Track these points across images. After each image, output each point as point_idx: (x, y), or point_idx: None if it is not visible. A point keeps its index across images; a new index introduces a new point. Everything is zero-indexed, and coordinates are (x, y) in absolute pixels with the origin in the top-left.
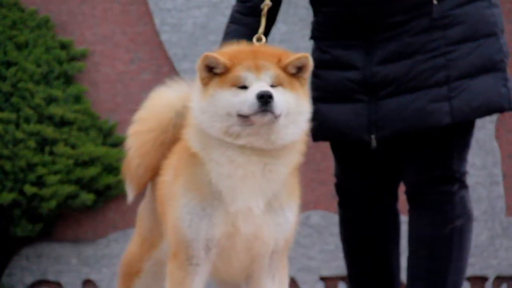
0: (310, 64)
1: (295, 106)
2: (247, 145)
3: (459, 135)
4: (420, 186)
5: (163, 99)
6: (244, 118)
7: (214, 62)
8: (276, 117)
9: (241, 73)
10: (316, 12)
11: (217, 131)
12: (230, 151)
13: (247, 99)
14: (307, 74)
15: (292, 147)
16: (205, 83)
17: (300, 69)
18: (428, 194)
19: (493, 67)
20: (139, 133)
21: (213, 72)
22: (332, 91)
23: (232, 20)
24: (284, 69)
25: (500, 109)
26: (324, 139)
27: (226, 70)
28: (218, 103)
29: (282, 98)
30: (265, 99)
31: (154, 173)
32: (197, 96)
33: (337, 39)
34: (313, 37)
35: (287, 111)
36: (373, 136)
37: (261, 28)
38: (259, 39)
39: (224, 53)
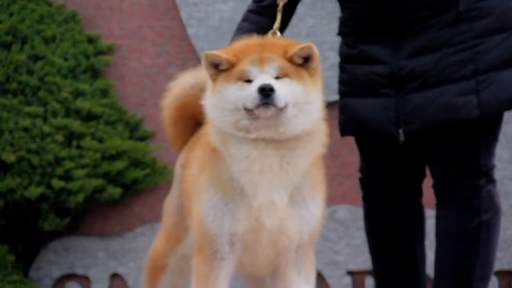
0: (315, 53)
1: (303, 96)
2: (258, 137)
3: (486, 129)
4: (447, 180)
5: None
6: (250, 112)
7: (217, 60)
8: (281, 109)
9: (246, 67)
10: (342, 8)
11: (227, 125)
12: (245, 146)
13: (250, 93)
14: (315, 64)
15: (309, 137)
16: (214, 79)
17: (306, 59)
18: (455, 188)
19: None
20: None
21: (219, 68)
22: (359, 85)
23: (245, 19)
24: (290, 60)
25: None
26: (351, 133)
27: (232, 65)
28: (225, 97)
29: (287, 89)
30: (266, 92)
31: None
32: (208, 93)
33: (364, 35)
34: (340, 33)
35: (295, 101)
36: (400, 131)
37: (277, 23)
38: (274, 34)
39: (230, 49)
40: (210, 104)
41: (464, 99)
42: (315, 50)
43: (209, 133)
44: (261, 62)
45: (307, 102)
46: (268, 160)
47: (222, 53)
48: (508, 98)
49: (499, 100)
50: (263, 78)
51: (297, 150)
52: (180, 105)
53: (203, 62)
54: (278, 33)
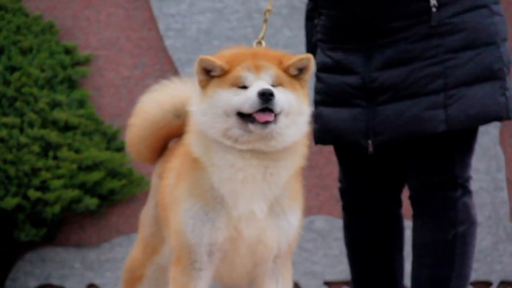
0: (312, 65)
1: (296, 107)
2: (247, 149)
3: (461, 141)
4: (422, 192)
5: (154, 101)
6: (243, 121)
7: (211, 65)
8: (276, 115)
9: (241, 73)
10: (319, 15)
11: (216, 132)
12: (230, 155)
13: (248, 98)
14: (308, 76)
15: (293, 149)
16: (203, 86)
17: (301, 70)
18: (430, 199)
19: (492, 75)
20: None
21: (210, 74)
22: (333, 95)
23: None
24: (286, 70)
25: (497, 118)
26: (324, 142)
27: (225, 72)
28: (217, 102)
29: (283, 98)
30: (266, 97)
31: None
32: (197, 99)
33: (338, 43)
34: (317, 39)
35: (288, 110)
36: (370, 142)
37: (262, 33)
38: (258, 44)
39: (222, 56)
40: (199, 110)
41: (432, 113)
42: (313, 62)
43: (189, 143)
44: (256, 69)
45: (299, 113)
46: (252, 170)
47: (216, 59)
48: (476, 114)
49: (467, 115)
50: (260, 84)
51: (280, 162)
52: (156, 129)
53: (196, 66)
54: (263, 43)
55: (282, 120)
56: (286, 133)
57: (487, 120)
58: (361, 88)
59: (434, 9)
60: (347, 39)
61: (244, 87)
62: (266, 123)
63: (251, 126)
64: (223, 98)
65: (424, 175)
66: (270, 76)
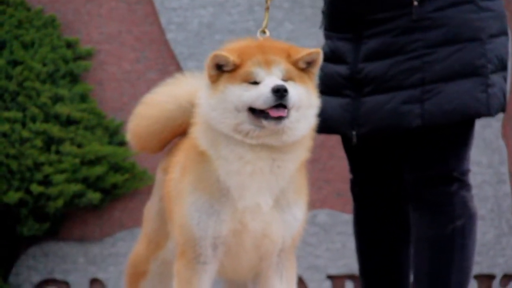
0: (321, 59)
1: (306, 100)
2: (257, 143)
3: (456, 134)
4: (417, 186)
5: (167, 93)
6: (255, 117)
7: (224, 61)
8: (288, 109)
9: (252, 68)
10: (324, 1)
11: (226, 127)
12: (239, 148)
13: (262, 93)
14: (316, 69)
15: (300, 142)
16: (214, 81)
17: (309, 63)
18: (426, 194)
19: (474, 72)
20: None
21: (222, 69)
22: (327, 84)
23: None
24: (294, 63)
25: (476, 115)
26: (320, 131)
27: (236, 67)
28: (228, 98)
29: (294, 92)
30: (280, 93)
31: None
32: (206, 93)
33: (333, 31)
34: (322, 25)
35: (299, 104)
36: (354, 133)
37: (265, 21)
38: (263, 32)
39: (233, 50)
40: (209, 104)
41: (408, 107)
42: (322, 56)
43: (196, 136)
44: (267, 64)
45: (309, 106)
46: (261, 163)
47: (229, 54)
48: (452, 110)
49: (443, 111)
50: (272, 79)
51: (288, 154)
52: (173, 126)
53: (209, 62)
54: (267, 32)
55: (293, 115)
56: (297, 127)
57: (464, 116)
58: (349, 79)
59: (415, 3)
60: (340, 27)
61: (255, 83)
62: (280, 118)
63: (264, 122)
64: (234, 94)
65: (417, 169)
66: (281, 71)
